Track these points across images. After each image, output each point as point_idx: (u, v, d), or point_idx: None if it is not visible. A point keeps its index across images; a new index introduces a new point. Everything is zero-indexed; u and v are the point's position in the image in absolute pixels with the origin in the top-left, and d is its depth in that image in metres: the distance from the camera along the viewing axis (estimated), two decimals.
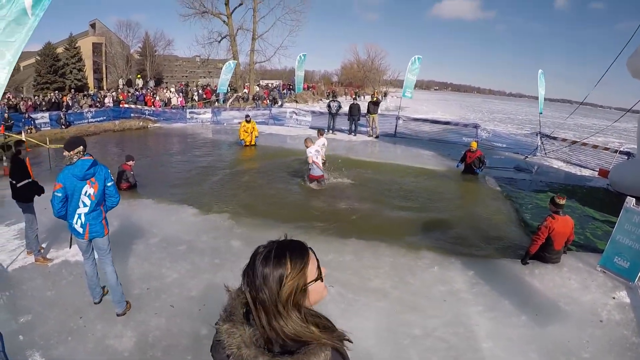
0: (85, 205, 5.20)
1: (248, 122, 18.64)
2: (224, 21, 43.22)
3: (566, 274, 7.36)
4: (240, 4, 43.28)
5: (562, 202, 7.54)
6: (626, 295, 6.72)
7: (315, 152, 12.17)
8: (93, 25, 56.85)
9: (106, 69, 55.94)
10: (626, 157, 14.96)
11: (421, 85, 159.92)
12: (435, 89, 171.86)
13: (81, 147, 5.18)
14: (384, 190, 12.26)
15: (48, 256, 7.27)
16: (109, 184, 5.35)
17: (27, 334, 5.10)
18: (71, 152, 5.12)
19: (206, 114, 27.07)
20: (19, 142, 7.58)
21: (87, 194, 5.19)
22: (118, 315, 5.48)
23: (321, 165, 12.40)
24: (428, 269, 7.30)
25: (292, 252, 1.66)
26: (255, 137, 18.57)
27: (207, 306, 5.77)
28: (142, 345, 4.94)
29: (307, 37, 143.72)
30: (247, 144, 18.18)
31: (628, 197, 7.94)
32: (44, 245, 7.49)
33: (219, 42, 44.20)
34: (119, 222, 8.43)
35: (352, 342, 1.69)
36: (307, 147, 12.18)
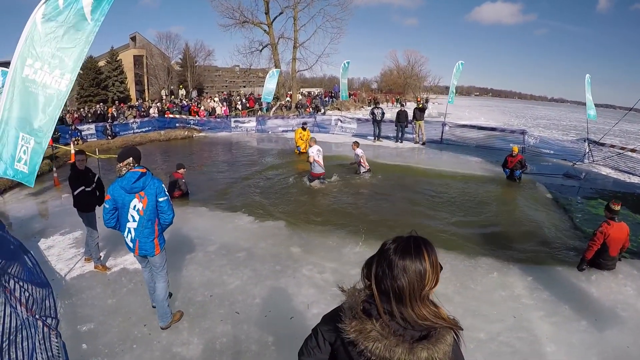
0: (134, 220, 5.06)
1: (304, 130, 19.07)
2: (265, 30, 43.40)
3: (622, 280, 7.48)
4: (281, 13, 43.41)
5: (617, 207, 7.67)
6: None
7: (317, 152, 12.92)
8: (133, 39, 58.15)
9: (147, 80, 56.99)
10: None
11: (461, 91, 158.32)
12: (476, 95, 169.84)
13: (130, 158, 5.03)
14: (435, 197, 12.45)
15: (107, 264, 7.48)
16: (160, 200, 5.10)
17: (91, 342, 5.18)
18: (120, 164, 4.99)
19: (250, 123, 27.53)
20: (79, 152, 7.57)
21: (136, 209, 5.02)
22: (162, 328, 5.45)
23: (322, 163, 13.07)
24: (487, 275, 7.49)
25: (426, 245, 1.93)
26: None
27: (273, 312, 5.92)
28: (209, 352, 5.01)
29: (345, 45, 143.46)
30: (303, 150, 18.29)
31: None
32: (102, 254, 7.66)
33: (261, 51, 44.38)
34: (175, 231, 8.50)
35: (462, 329, 1.95)
36: (310, 147, 13.12)
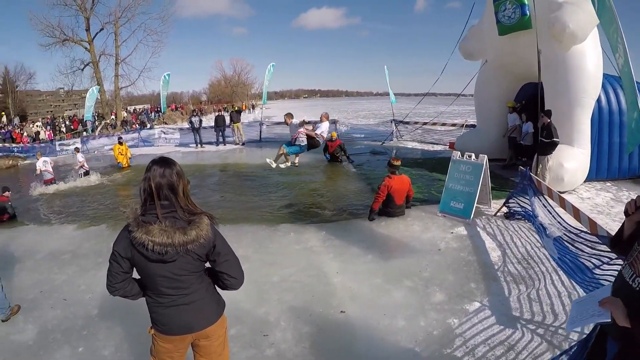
0: None
1: (121, 144, 18.38)
2: (86, 48, 41.38)
3: (410, 221, 8.39)
4: (102, 29, 41.85)
5: (397, 163, 8.59)
6: (464, 229, 7.85)
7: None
8: None
9: None
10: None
11: (289, 94, 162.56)
12: (305, 97, 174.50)
13: None
14: (249, 183, 13.08)
15: None
16: None
17: None
18: None
19: (76, 144, 26.17)
20: None
21: None
22: (3, 321, 5.56)
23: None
24: (285, 236, 7.98)
25: (170, 159, 2.75)
26: (129, 157, 18.41)
27: (95, 293, 6.04)
28: (43, 333, 5.14)
29: (172, 58, 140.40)
30: (124, 165, 17.91)
31: (454, 151, 9.23)
32: None
33: (82, 69, 42.17)
34: (4, 248, 8.49)
35: (213, 216, 2.77)
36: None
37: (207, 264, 2.83)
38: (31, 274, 7.13)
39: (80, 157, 16.53)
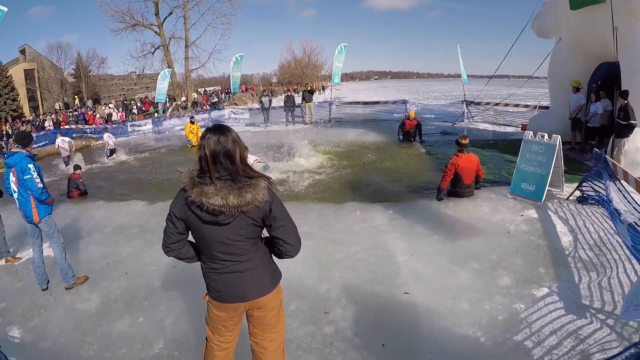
0: (15, 191, 5.77)
1: (192, 123, 18.96)
2: (156, 32, 42.48)
3: (479, 202, 8.26)
4: (171, 13, 42.68)
5: (465, 141, 8.41)
6: (534, 212, 7.63)
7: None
8: (23, 51, 53.85)
9: (41, 95, 53.94)
10: None
11: (360, 76, 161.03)
12: (375, 79, 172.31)
13: (16, 139, 5.78)
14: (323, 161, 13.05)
15: (17, 255, 7.49)
16: (25, 177, 5.59)
17: (5, 316, 5.38)
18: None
19: (147, 125, 26.76)
20: None
21: (12, 181, 5.75)
22: (66, 288, 5.88)
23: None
24: (351, 214, 8.04)
25: (226, 126, 2.76)
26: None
27: (159, 266, 6.29)
28: (106, 303, 5.39)
29: (243, 41, 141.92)
30: (194, 144, 18.09)
31: (526, 131, 8.98)
32: (11, 249, 7.62)
33: (153, 53, 43.34)
34: (74, 222, 8.98)
35: (271, 179, 2.79)
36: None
37: (265, 233, 2.85)
38: (99, 247, 7.49)
39: (106, 137, 18.70)
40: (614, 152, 9.42)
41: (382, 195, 9.08)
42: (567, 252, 6.02)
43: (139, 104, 39.84)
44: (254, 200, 2.56)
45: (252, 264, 2.80)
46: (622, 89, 9.61)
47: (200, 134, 13.86)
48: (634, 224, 5.11)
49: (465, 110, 20.82)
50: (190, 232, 2.83)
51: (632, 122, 9.15)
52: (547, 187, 8.02)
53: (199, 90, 55.54)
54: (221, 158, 2.60)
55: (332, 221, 7.69)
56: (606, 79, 11.81)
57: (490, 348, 4.08)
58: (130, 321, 4.91)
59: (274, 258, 2.98)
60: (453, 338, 4.24)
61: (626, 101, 9.23)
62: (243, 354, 3.38)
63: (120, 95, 63.79)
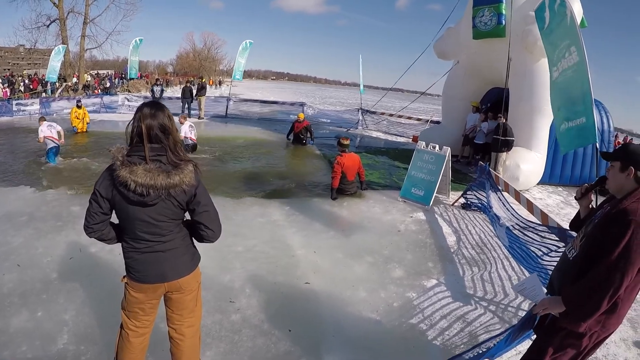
0: None
1: (79, 107, 17.54)
2: (55, 3, 38.07)
3: (372, 204, 8.76)
4: None
5: (346, 142, 9.22)
6: (422, 214, 8.29)
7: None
8: None
9: None
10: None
11: (258, 75, 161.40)
12: (273, 79, 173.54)
13: None
14: (219, 155, 12.97)
15: None
16: None
17: None
18: None
19: (34, 105, 24.88)
20: None
21: None
22: None
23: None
24: (249, 208, 8.15)
25: (163, 105, 2.81)
26: (87, 123, 17.48)
27: (54, 256, 5.96)
28: None
29: (143, 26, 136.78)
30: (80, 130, 17.07)
31: (419, 141, 9.64)
32: None
33: (48, 26, 39.08)
34: None
35: (197, 163, 2.82)
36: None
37: (186, 216, 2.88)
38: None
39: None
40: (497, 166, 10.37)
41: (279, 192, 9.28)
42: (452, 250, 6.64)
43: (26, 81, 37.00)
44: (182, 183, 2.60)
45: (173, 244, 2.84)
46: (509, 112, 10.88)
47: (87, 120, 12.93)
48: (510, 227, 5.76)
49: (361, 118, 21.76)
50: (113, 212, 2.80)
51: (508, 138, 10.28)
52: (435, 193, 8.71)
53: (92, 72, 52.47)
54: (156, 131, 2.62)
55: (231, 215, 7.72)
56: (495, 103, 13.15)
57: (389, 330, 4.44)
58: (27, 316, 4.62)
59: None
60: (354, 322, 4.53)
61: (504, 120, 10.51)
62: (157, 341, 3.44)
63: (6, 70, 59.06)
